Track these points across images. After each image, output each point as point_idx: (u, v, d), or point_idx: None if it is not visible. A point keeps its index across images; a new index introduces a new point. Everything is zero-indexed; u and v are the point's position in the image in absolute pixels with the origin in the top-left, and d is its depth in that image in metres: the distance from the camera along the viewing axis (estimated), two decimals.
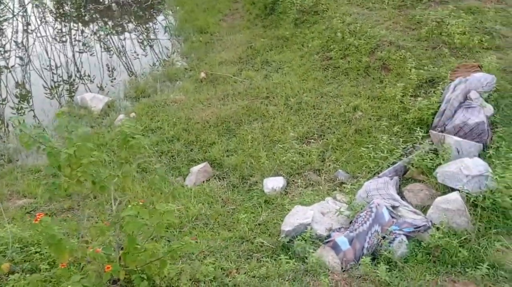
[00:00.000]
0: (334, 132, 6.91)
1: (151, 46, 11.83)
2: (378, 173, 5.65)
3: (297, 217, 4.71)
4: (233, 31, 11.73)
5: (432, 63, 7.58)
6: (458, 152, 5.64)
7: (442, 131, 6.20)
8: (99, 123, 8.24)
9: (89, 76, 10.43)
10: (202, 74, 9.58)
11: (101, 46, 11.81)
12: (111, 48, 11.68)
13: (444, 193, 4.97)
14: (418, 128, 6.03)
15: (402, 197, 5.17)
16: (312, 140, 6.87)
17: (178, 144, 7.24)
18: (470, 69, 7.13)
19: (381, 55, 8.18)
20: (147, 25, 13.47)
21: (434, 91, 6.72)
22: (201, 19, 12.35)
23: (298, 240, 4.38)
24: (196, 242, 4.55)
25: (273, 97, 8.12)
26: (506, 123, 6.21)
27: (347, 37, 8.84)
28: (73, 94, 9.74)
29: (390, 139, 6.18)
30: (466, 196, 4.83)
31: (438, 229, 4.47)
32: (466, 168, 5.01)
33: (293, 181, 6.05)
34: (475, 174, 4.92)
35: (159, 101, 8.66)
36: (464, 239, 4.45)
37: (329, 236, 4.42)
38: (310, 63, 8.92)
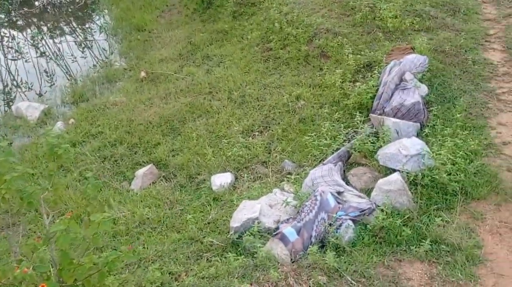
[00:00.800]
0: (278, 123, 6.93)
1: (88, 48, 11.42)
2: (323, 160, 5.72)
3: (244, 212, 4.68)
4: (171, 27, 11.51)
5: (368, 48, 7.75)
6: (398, 133, 5.80)
7: (381, 114, 6.34)
8: (36, 133, 7.86)
9: (26, 83, 9.94)
10: (142, 74, 9.35)
11: (36, 51, 11.28)
12: (47, 53, 11.17)
13: (386, 175, 5.09)
14: (358, 113, 6.13)
15: (347, 182, 5.26)
16: (257, 133, 6.87)
17: (121, 148, 7.04)
18: (403, 52, 7.33)
19: (319, 43, 8.27)
20: (83, 26, 12.99)
21: (371, 75, 6.86)
22: (137, 16, 12.04)
23: (247, 235, 4.36)
24: (144, 247, 4.46)
25: (216, 92, 8.05)
26: (440, 101, 6.44)
27: (285, 27, 8.87)
28: (11, 103, 9.25)
29: (333, 126, 6.27)
30: (407, 175, 4.97)
31: (382, 210, 4.57)
32: (404, 148, 5.15)
33: (241, 175, 6.02)
34: (413, 153, 5.07)
35: (99, 105, 8.39)
36: (407, 217, 4.58)
37: (277, 228, 4.42)
38: (250, 55, 8.89)
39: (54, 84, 9.82)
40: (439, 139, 5.47)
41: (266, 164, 6.12)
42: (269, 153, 6.33)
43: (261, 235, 4.42)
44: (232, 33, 9.99)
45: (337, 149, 5.75)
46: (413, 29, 8.07)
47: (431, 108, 6.24)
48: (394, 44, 7.71)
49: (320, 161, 5.78)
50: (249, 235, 4.34)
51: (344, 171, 5.53)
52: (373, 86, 6.71)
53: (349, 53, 7.67)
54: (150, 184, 6.20)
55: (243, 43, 9.37)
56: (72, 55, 11.10)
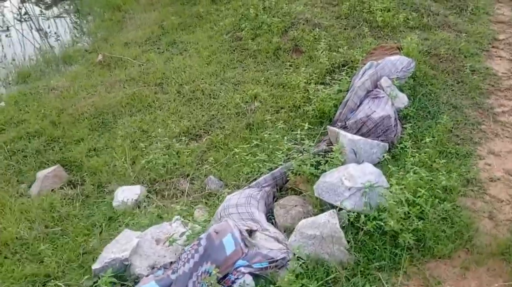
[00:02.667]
0: (223, 127, 5.70)
1: (56, 25, 10.34)
2: (256, 180, 4.47)
3: (117, 246, 3.49)
4: (149, 8, 10.33)
5: (348, 44, 6.45)
6: (355, 154, 4.50)
7: (343, 127, 5.05)
8: None
9: None
10: (99, 57, 8.19)
11: None
12: (7, 27, 10.16)
13: (322, 211, 3.82)
14: (308, 125, 4.89)
15: (271, 215, 4.01)
16: (195, 136, 5.64)
17: (39, 141, 5.90)
18: (387, 51, 6.00)
19: (294, 35, 7.01)
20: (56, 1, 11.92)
21: (340, 78, 5.55)
22: None
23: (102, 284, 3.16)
24: None
25: (167, 84, 6.85)
26: (421, 117, 5.13)
27: (260, 15, 7.61)
28: None
29: (279, 137, 4.99)
30: (347, 215, 3.69)
31: (300, 264, 3.32)
32: (349, 177, 3.86)
33: (155, 189, 4.82)
34: (360, 185, 3.79)
35: (37, 89, 7.28)
36: (332, 279, 3.31)
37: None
38: (218, 44, 7.65)
39: (1, 61, 8.75)
40: (403, 168, 4.17)
41: (189, 178, 4.90)
42: (199, 164, 5.11)
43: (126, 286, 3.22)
44: (207, 18, 8.75)
45: (274, 168, 4.49)
46: (406, 25, 6.73)
47: (406, 125, 4.91)
48: (380, 42, 6.37)
49: (252, 181, 4.53)
50: (104, 285, 3.13)
51: (276, 199, 4.28)
52: (339, 91, 5.41)
53: (324, 50, 6.37)
54: (52, 190, 5.04)
55: (214, 30, 8.13)
56: (36, 30, 10.04)
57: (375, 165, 4.24)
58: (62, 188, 5.15)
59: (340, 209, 3.75)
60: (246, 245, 3.47)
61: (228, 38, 7.71)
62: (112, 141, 5.71)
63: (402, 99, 5.30)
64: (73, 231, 4.25)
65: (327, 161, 4.34)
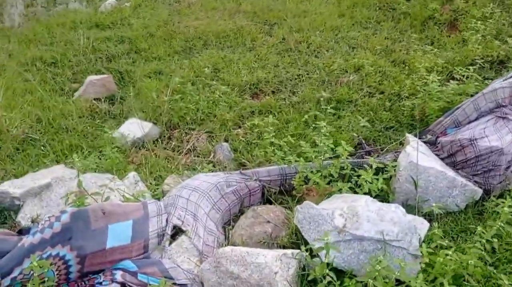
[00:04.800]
0: (295, 91, 4.47)
1: None
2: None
3: (41, 176, 2.81)
4: None
5: None
6: (416, 186, 2.93)
7: (431, 143, 3.40)
8: None
9: None
10: None
11: None
12: None
13: (294, 246, 2.52)
14: (407, 126, 3.44)
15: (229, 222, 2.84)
16: (263, 93, 4.55)
17: (122, 47, 5.59)
18: None
19: (459, 5, 5.08)
20: None
21: (470, 75, 3.75)
22: None
23: None
24: None
25: (279, 27, 5.77)
26: None
27: None
28: None
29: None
30: (318, 269, 2.31)
31: None
32: (349, 214, 2.42)
33: (168, 135, 3.99)
34: (360, 234, 2.33)
35: None
36: None
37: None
38: None
39: None
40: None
41: (210, 135, 3.91)
42: (234, 125, 4.06)
43: None
44: None
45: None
46: None
47: None
48: None
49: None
50: None
51: (261, 202, 3.04)
52: (458, 93, 3.65)
53: (487, 35, 4.46)
54: (94, 98, 4.63)
55: None
56: None
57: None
58: (106, 99, 4.67)
59: (314, 255, 2.38)
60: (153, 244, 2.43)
61: None
62: (180, 69, 4.98)
63: None
64: (54, 144, 3.73)
65: (356, 182, 2.88)
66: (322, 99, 4.07)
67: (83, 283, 2.27)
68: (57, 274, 2.21)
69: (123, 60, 5.32)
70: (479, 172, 3.09)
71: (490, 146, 3.04)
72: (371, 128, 3.80)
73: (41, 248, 2.18)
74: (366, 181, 2.78)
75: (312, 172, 2.92)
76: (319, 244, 2.39)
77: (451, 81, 3.91)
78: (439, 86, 3.72)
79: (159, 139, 3.91)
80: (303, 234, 2.48)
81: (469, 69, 3.89)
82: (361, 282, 2.20)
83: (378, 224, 2.42)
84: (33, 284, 2.05)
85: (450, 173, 2.97)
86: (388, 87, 4.28)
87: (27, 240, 2.20)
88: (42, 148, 3.65)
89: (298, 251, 2.34)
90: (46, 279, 2.16)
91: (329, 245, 2.28)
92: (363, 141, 3.65)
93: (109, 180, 2.89)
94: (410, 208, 2.88)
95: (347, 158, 3.06)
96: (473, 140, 3.13)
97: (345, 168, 2.95)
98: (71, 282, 2.27)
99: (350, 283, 2.20)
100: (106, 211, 2.33)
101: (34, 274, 2.05)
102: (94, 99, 4.61)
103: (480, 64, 4.15)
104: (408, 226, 2.46)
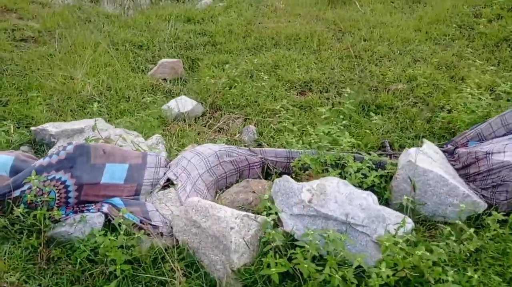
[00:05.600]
0: (341, 94, 4.55)
1: None
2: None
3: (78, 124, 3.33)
4: None
5: None
6: (414, 188, 2.92)
7: (449, 153, 3.32)
8: None
9: None
10: None
11: None
12: None
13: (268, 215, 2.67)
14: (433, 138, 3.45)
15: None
16: (311, 91, 4.71)
17: (202, 39, 6.09)
18: None
19: None
20: None
21: None
22: None
23: None
24: None
25: (351, 35, 5.85)
26: None
27: None
28: None
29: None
30: (270, 230, 2.46)
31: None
32: (317, 192, 2.53)
33: (208, 115, 4.34)
34: (321, 211, 2.43)
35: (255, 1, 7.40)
36: None
37: None
38: (451, 14, 5.95)
39: None
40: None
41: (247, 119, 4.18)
42: (272, 113, 4.29)
43: None
44: None
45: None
46: None
47: None
48: None
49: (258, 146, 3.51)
50: None
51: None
52: (494, 106, 3.50)
53: None
54: (164, 79, 5.17)
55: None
56: None
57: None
58: (172, 80, 5.16)
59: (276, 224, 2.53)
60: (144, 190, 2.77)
61: (468, 11, 5.88)
62: (244, 63, 5.33)
63: None
64: (111, 107, 4.27)
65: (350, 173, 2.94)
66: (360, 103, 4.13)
67: (77, 208, 2.66)
68: (58, 196, 2.63)
69: (199, 50, 5.81)
70: (488, 186, 2.96)
71: (503, 161, 2.90)
72: (401, 134, 3.78)
73: (48, 170, 2.62)
74: (353, 171, 2.83)
75: (311, 158, 3.04)
76: (285, 215, 2.53)
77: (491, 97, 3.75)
78: (478, 100, 3.58)
79: (200, 117, 4.28)
80: (275, 204, 2.63)
81: None
82: (309, 252, 2.30)
83: (345, 206, 2.49)
84: (33, 195, 2.48)
85: (452, 180, 2.88)
86: (436, 99, 4.19)
87: (38, 162, 2.66)
88: (100, 108, 4.21)
89: (260, 216, 2.50)
90: (49, 199, 2.59)
91: (288, 215, 2.42)
92: (388, 145, 3.64)
93: (133, 136, 3.30)
94: (407, 210, 2.86)
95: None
96: (488, 154, 3.01)
97: (343, 158, 3.02)
98: (69, 206, 2.68)
99: (298, 251, 2.30)
100: (107, 151, 2.71)
101: (33, 187, 2.48)
102: (163, 79, 5.13)
103: None
104: (376, 214, 2.49)
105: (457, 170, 3.17)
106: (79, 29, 6.10)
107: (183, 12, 7.06)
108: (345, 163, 3.01)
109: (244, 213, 2.49)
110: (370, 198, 2.53)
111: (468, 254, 2.59)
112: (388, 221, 2.50)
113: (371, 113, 3.93)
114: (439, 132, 3.74)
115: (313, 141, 3.18)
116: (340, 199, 2.50)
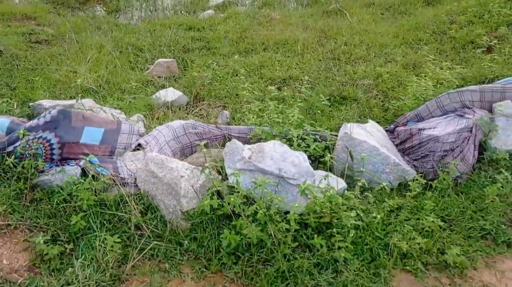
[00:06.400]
0: (314, 88, 5.02)
1: None
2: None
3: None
4: None
5: None
6: (352, 158, 3.35)
7: (389, 131, 3.75)
8: None
9: None
10: (332, 6, 8.15)
11: None
12: None
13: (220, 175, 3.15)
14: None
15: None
16: (285, 87, 5.19)
17: (199, 44, 6.66)
18: None
19: (504, 31, 5.21)
20: None
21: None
22: None
23: None
24: None
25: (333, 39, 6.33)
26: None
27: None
28: None
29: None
30: (216, 182, 2.93)
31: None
32: (258, 151, 2.99)
33: (191, 104, 4.86)
34: (258, 166, 2.89)
35: (260, 14, 7.98)
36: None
37: None
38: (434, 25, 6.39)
39: None
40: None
41: (225, 107, 4.68)
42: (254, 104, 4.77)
43: None
44: None
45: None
46: None
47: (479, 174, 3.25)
48: None
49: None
50: None
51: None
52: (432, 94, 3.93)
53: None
54: (159, 76, 5.74)
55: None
56: None
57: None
58: (166, 78, 5.71)
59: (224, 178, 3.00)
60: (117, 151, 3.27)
61: (446, 18, 6.32)
62: (232, 64, 5.85)
63: (511, 139, 3.40)
64: (106, 96, 4.83)
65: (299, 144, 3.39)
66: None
67: (60, 163, 3.18)
68: (44, 152, 3.16)
69: (194, 53, 6.37)
70: (418, 157, 3.37)
71: (430, 134, 3.31)
72: (359, 120, 4.21)
73: (36, 130, 3.15)
74: (295, 139, 3.28)
75: (263, 131, 3.51)
76: (230, 170, 2.99)
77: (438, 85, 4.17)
78: (425, 90, 4.00)
79: (185, 106, 4.80)
80: (224, 163, 3.09)
81: (470, 82, 4.09)
82: (245, 196, 2.75)
83: (279, 163, 2.94)
84: (22, 148, 3.02)
85: (384, 150, 3.30)
86: (396, 92, 4.61)
87: (28, 123, 3.20)
88: (96, 96, 4.77)
89: (207, 169, 2.97)
90: (36, 153, 3.12)
91: (233, 169, 2.88)
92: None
93: (116, 113, 3.83)
94: (347, 177, 3.29)
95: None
96: (421, 130, 3.43)
97: (290, 130, 3.47)
98: (53, 161, 3.20)
99: (232, 197, 2.75)
100: (85, 116, 3.24)
101: (22, 142, 3.01)
102: (158, 77, 5.70)
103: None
104: (306, 170, 2.93)
105: (396, 145, 3.59)
106: (88, 34, 6.75)
107: (185, 21, 7.67)
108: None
109: (194, 166, 2.96)
110: (301, 157, 2.98)
111: (390, 209, 3.00)
112: (316, 176, 2.94)
113: (336, 104, 4.39)
114: (391, 118, 4.15)
115: (267, 118, 3.65)
116: (276, 156, 2.95)
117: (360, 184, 2.87)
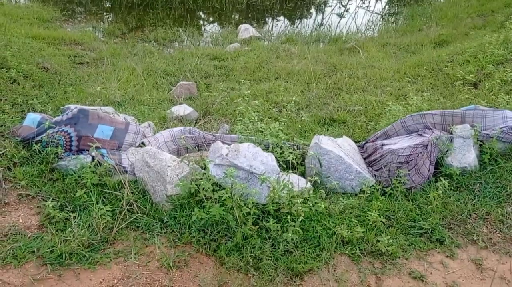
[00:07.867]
0: (310, 112, 5.60)
1: None
2: None
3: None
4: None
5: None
6: (321, 165, 3.89)
7: (360, 146, 4.26)
8: None
9: None
10: (351, 44, 8.79)
11: None
12: None
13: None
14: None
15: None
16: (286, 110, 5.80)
17: (219, 72, 7.42)
18: None
19: (491, 69, 5.66)
20: None
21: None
22: None
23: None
24: None
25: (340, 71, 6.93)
26: (460, 190, 3.72)
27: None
28: None
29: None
30: (198, 173, 3.54)
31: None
32: (234, 149, 3.58)
33: (200, 119, 5.53)
34: (233, 162, 3.49)
35: (282, 48, 8.71)
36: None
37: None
38: (434, 63, 6.89)
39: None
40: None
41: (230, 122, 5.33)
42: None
43: None
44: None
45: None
46: None
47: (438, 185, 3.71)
48: None
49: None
50: None
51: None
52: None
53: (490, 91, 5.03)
54: (177, 97, 6.49)
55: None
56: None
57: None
58: (185, 98, 6.46)
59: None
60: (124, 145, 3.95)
61: (446, 58, 6.81)
62: (245, 89, 6.53)
63: (465, 158, 3.84)
64: (129, 108, 5.59)
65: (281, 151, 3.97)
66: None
67: (76, 153, 3.89)
68: (64, 143, 3.87)
69: (214, 78, 7.12)
70: (379, 168, 3.86)
71: (389, 148, 3.81)
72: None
73: (59, 124, 3.89)
74: (272, 146, 3.85)
75: (246, 139, 4.11)
76: (211, 165, 3.59)
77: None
78: (398, 113, 4.51)
79: (194, 120, 5.48)
80: (208, 159, 3.70)
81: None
82: (218, 184, 3.34)
83: (251, 161, 3.51)
84: (47, 137, 3.75)
85: (348, 160, 3.81)
86: (383, 118, 5.13)
87: (53, 119, 3.95)
88: (119, 107, 5.54)
89: (193, 163, 3.58)
90: (59, 144, 3.85)
91: (215, 165, 3.49)
92: None
93: (130, 119, 4.54)
94: (317, 183, 3.82)
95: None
96: (383, 145, 3.93)
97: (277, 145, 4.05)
98: (72, 151, 3.91)
99: (203, 181, 3.32)
100: (100, 116, 3.95)
101: (47, 133, 3.75)
102: (179, 97, 6.45)
103: None
104: (272, 168, 3.49)
105: (365, 158, 4.09)
106: (124, 58, 7.65)
107: (212, 52, 8.49)
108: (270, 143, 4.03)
109: (180, 159, 3.58)
110: (269, 157, 3.54)
111: (344, 208, 3.49)
112: (281, 174, 3.49)
113: (325, 125, 4.95)
114: (369, 136, 4.65)
115: (251, 127, 4.26)
116: (248, 155, 3.53)
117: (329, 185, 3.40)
